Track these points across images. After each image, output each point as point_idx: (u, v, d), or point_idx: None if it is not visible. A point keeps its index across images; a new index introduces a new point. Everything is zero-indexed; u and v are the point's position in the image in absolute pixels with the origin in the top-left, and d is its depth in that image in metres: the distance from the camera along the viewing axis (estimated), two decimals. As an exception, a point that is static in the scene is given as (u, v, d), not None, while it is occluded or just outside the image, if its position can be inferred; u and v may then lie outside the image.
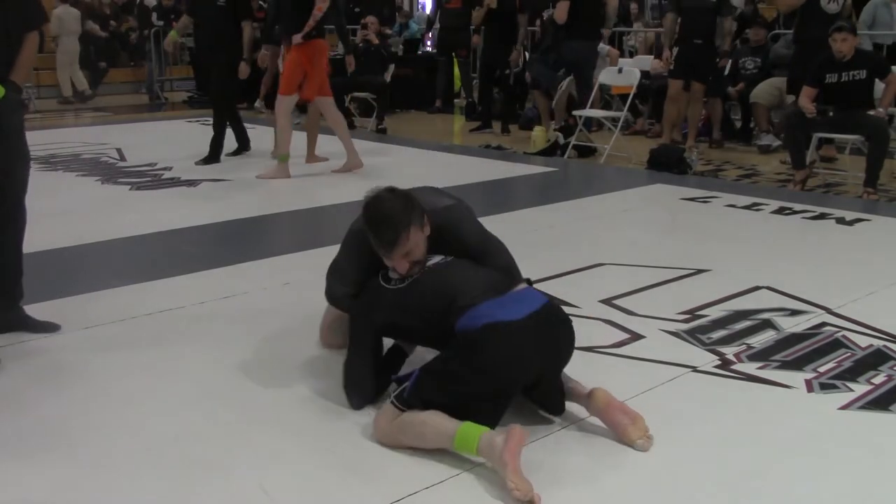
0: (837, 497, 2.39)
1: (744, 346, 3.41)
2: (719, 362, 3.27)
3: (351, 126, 9.96)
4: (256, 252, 4.76)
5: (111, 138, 8.82)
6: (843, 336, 3.52)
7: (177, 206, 5.92)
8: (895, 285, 4.17)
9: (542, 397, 2.73)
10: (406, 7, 15.87)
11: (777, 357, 3.31)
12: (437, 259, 2.85)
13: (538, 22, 9.51)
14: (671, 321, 3.68)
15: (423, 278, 2.78)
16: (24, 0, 3.40)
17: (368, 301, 2.88)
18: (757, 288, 4.10)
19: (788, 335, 3.53)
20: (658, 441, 2.62)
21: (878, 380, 3.11)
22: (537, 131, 8.55)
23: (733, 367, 3.23)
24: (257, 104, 10.76)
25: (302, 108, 8.46)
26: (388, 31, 13.02)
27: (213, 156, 7.43)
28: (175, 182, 6.74)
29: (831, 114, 6.58)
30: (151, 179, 6.86)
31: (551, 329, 2.66)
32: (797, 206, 5.89)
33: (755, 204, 5.97)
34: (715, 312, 3.79)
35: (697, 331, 3.58)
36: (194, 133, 9.44)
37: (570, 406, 2.80)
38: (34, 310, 3.59)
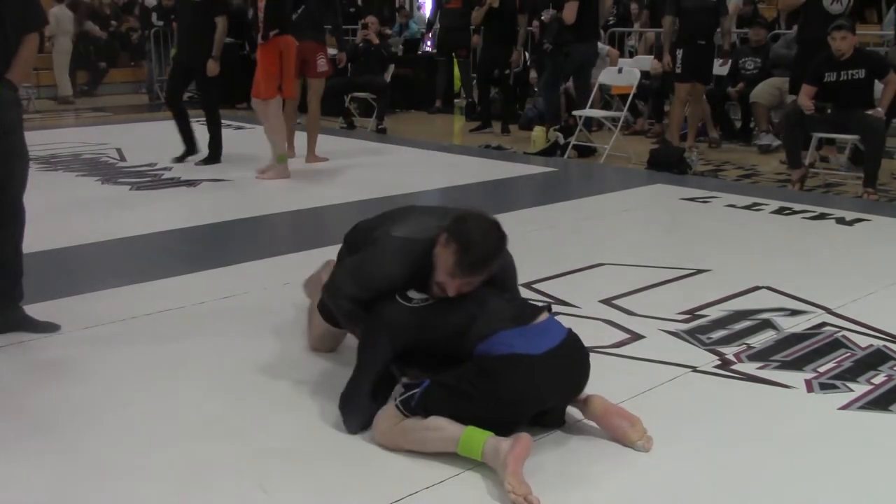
0: (837, 497, 2.39)
1: (744, 346, 3.41)
2: (719, 362, 3.27)
3: (351, 126, 10.00)
4: (256, 252, 4.76)
5: (111, 138, 8.82)
6: (843, 336, 3.52)
7: (177, 206, 5.93)
8: (895, 285, 4.17)
9: (549, 420, 2.71)
10: (406, 7, 15.86)
11: (777, 357, 3.31)
12: None
13: (535, 23, 9.51)
14: (671, 321, 3.68)
15: (448, 298, 2.69)
16: (25, 1, 3.39)
17: (389, 322, 2.71)
18: (757, 288, 4.10)
19: (788, 335, 3.54)
20: (658, 441, 2.62)
21: (878, 380, 3.11)
22: (537, 131, 8.55)
23: (733, 367, 3.23)
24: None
25: (301, 107, 8.47)
26: (388, 31, 13.02)
27: (214, 156, 7.42)
28: (175, 182, 6.74)
29: (829, 111, 6.58)
30: (151, 179, 6.86)
31: (569, 364, 2.63)
32: (797, 206, 5.89)
33: (755, 204, 5.97)
34: (715, 312, 3.79)
35: (697, 331, 3.58)
36: (195, 133, 9.44)
37: (568, 408, 2.79)
38: (34, 310, 3.59)
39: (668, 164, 7.26)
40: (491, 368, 2.51)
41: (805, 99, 6.56)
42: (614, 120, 8.70)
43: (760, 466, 2.53)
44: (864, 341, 3.46)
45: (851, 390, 3.03)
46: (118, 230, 5.19)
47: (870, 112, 6.40)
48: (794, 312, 3.78)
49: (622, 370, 3.18)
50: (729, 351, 3.37)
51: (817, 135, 6.88)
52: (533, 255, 4.52)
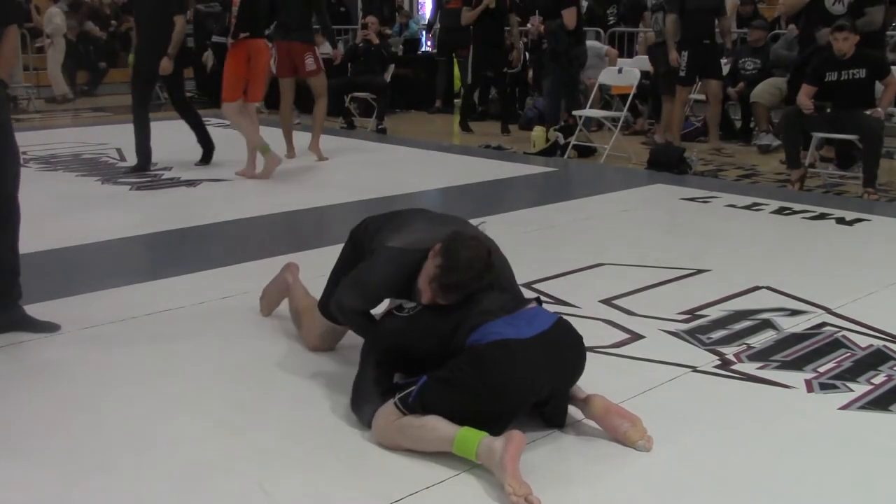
0: (837, 497, 2.39)
1: (744, 346, 3.41)
2: (719, 362, 3.27)
3: (351, 126, 10.00)
4: (256, 252, 4.76)
5: (111, 138, 8.81)
6: (843, 336, 3.52)
7: (177, 207, 5.93)
8: (895, 285, 4.17)
9: (550, 412, 2.72)
10: (406, 7, 15.86)
11: (777, 357, 3.31)
12: None
13: (532, 25, 9.55)
14: (671, 321, 3.68)
15: (436, 305, 2.74)
16: None
17: (389, 329, 2.83)
18: (757, 288, 4.10)
19: (788, 335, 3.53)
20: (658, 441, 2.62)
21: (878, 380, 3.11)
22: (537, 131, 8.55)
23: (733, 367, 3.23)
24: (258, 104, 10.75)
25: (301, 107, 8.49)
26: (388, 31, 13.02)
27: (208, 154, 7.43)
28: (175, 182, 6.74)
29: (829, 110, 6.58)
30: (151, 179, 6.86)
31: (560, 348, 2.64)
32: (797, 207, 5.89)
33: (755, 204, 5.97)
34: (715, 312, 3.79)
35: (697, 331, 3.58)
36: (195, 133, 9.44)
37: (568, 408, 2.80)
38: (34, 310, 3.59)
39: (668, 164, 7.26)
40: (481, 356, 2.52)
41: (804, 98, 6.57)
42: (614, 120, 8.70)
43: (760, 466, 2.53)
44: (864, 341, 3.46)
45: (851, 390, 3.03)
46: (118, 230, 5.19)
47: (869, 112, 6.40)
48: (794, 312, 3.78)
49: (622, 370, 3.18)
50: (729, 351, 3.37)
51: (817, 135, 6.88)
52: (533, 254, 4.53)
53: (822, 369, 3.20)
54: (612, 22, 11.26)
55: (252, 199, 6.18)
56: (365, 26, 10.41)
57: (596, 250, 4.76)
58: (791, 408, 2.92)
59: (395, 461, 2.53)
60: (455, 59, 11.45)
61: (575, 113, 8.70)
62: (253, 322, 3.67)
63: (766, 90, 8.44)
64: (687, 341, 3.47)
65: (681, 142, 8.23)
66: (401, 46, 13.01)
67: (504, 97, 10.32)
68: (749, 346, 3.41)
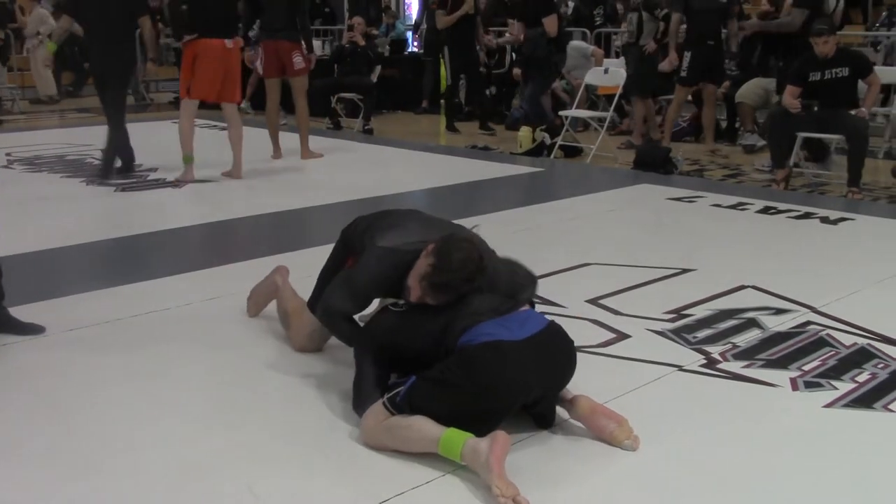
0: (822, 494, 2.40)
1: (729, 345, 3.42)
2: (705, 361, 3.28)
3: (337, 127, 10.00)
4: (243, 253, 4.75)
5: (96, 139, 8.74)
6: (828, 334, 3.54)
7: (162, 208, 5.91)
8: (879, 284, 4.19)
9: (539, 413, 2.72)
10: (393, 7, 15.85)
11: (762, 356, 3.33)
12: None
13: (512, 34, 9.67)
14: (657, 321, 3.69)
15: (426, 305, 2.75)
16: None
17: (374, 327, 2.86)
18: (742, 287, 4.12)
19: (773, 334, 3.55)
20: (644, 440, 2.63)
21: (863, 378, 3.13)
22: (523, 132, 8.56)
23: (719, 366, 3.24)
24: (243, 105, 10.73)
25: (287, 107, 8.47)
26: (375, 32, 13.01)
27: (106, 166, 6.83)
28: (160, 183, 6.71)
29: (816, 109, 6.62)
30: (137, 180, 6.83)
31: (552, 351, 2.64)
32: (782, 206, 5.92)
33: (740, 203, 5.99)
34: (700, 312, 3.80)
35: (683, 330, 3.59)
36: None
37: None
38: (19, 311, 3.57)
39: (654, 164, 7.28)
40: (471, 357, 2.53)
41: (789, 99, 6.60)
42: (600, 120, 8.72)
43: (746, 464, 2.54)
44: (848, 339, 3.48)
45: (836, 388, 3.04)
46: (103, 231, 5.18)
47: (853, 112, 6.43)
48: (779, 311, 3.80)
49: (608, 369, 3.19)
50: (714, 350, 3.38)
51: (802, 134, 6.92)
52: (519, 254, 4.50)
53: (806, 368, 3.22)
54: (598, 22, 11.28)
55: (238, 200, 6.16)
56: (351, 27, 10.40)
57: (582, 250, 4.77)
58: (776, 406, 2.93)
59: (383, 461, 2.53)
60: (441, 60, 11.46)
61: (561, 113, 8.73)
62: (240, 323, 3.66)
63: (752, 90, 8.47)
64: (673, 340, 3.48)
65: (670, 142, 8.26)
66: (387, 47, 13.00)
67: (481, 96, 10.35)
68: (734, 345, 3.43)
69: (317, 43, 10.44)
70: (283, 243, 4.97)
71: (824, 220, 5.56)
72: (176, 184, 6.63)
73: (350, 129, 9.98)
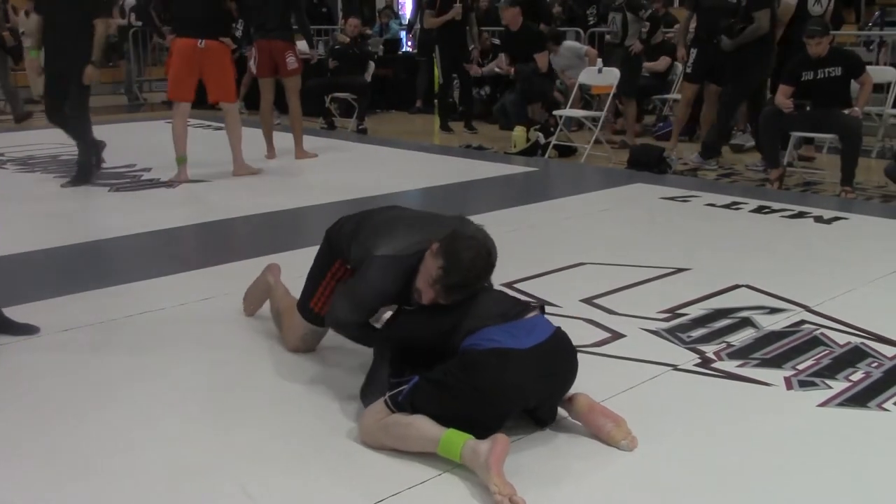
0: (817, 493, 2.41)
1: (723, 345, 3.43)
2: (699, 360, 3.28)
3: (331, 126, 9.99)
4: (237, 253, 4.75)
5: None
6: (822, 334, 3.55)
7: (156, 208, 5.90)
8: (873, 283, 4.21)
9: (540, 416, 2.72)
10: (393, 7, 15.85)
11: (756, 355, 3.33)
12: None
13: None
14: (652, 320, 3.69)
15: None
16: None
17: (389, 325, 2.90)
18: (736, 286, 4.13)
19: (768, 333, 3.56)
20: (639, 439, 2.63)
21: (857, 377, 3.14)
22: (518, 131, 8.57)
23: (713, 365, 3.25)
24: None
25: (280, 107, 8.48)
26: (369, 32, 13.01)
27: (82, 175, 6.62)
28: (154, 183, 6.70)
29: (808, 108, 6.63)
30: (130, 181, 6.82)
31: (554, 361, 2.64)
32: (776, 205, 5.93)
33: (734, 203, 6.00)
34: (695, 311, 3.81)
35: (678, 329, 3.60)
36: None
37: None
38: (13, 312, 3.56)
39: (648, 163, 7.29)
40: (475, 361, 2.52)
41: (782, 98, 6.62)
42: (594, 120, 8.73)
43: (740, 463, 2.55)
44: (842, 339, 3.49)
45: (830, 387, 3.05)
46: (97, 232, 5.17)
47: (846, 111, 6.45)
48: (774, 310, 3.81)
49: (603, 369, 3.19)
50: (709, 349, 3.39)
51: (795, 133, 6.94)
52: (514, 254, 4.52)
53: (801, 367, 3.22)
54: (592, 22, 11.29)
55: (231, 200, 6.15)
56: (343, 29, 10.42)
57: (577, 250, 4.77)
58: (770, 405, 2.94)
59: (380, 461, 2.53)
60: (434, 60, 11.46)
61: (555, 113, 8.74)
62: (234, 323, 3.66)
63: (745, 90, 8.48)
64: (667, 340, 3.49)
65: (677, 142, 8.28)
66: (381, 47, 13.00)
67: (469, 96, 10.36)
68: (729, 345, 3.43)
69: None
70: (277, 243, 4.96)
71: (818, 219, 5.58)
72: (170, 184, 6.63)
73: (344, 128, 9.98)
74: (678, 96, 9.32)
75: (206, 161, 7.25)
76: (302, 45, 8.36)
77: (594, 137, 8.20)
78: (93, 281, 4.20)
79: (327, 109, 10.09)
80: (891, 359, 3.29)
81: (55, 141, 8.67)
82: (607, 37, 9.64)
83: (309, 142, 8.13)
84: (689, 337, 3.51)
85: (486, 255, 2.70)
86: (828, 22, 7.19)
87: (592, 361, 3.24)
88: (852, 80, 6.61)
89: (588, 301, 3.93)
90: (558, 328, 2.72)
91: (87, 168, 6.64)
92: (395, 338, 2.82)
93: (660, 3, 10.65)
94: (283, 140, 7.90)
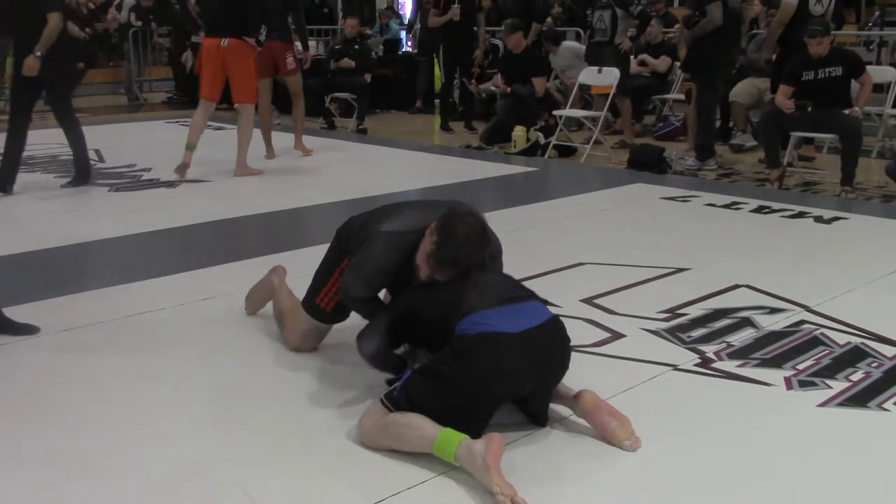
0: (817, 493, 2.41)
1: (724, 345, 3.43)
2: (699, 360, 3.29)
3: (331, 126, 9.99)
4: (237, 253, 4.75)
5: (89, 140, 8.65)
6: (822, 334, 3.55)
7: (156, 208, 5.90)
8: (873, 283, 4.21)
9: (532, 409, 2.73)
10: (382, 6, 15.85)
11: (756, 355, 3.33)
12: None
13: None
14: (652, 320, 3.69)
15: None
16: None
17: (394, 300, 2.97)
18: (736, 286, 4.13)
19: (768, 333, 3.56)
20: (639, 440, 2.64)
21: (857, 377, 3.14)
22: (518, 131, 8.57)
23: (713, 365, 3.25)
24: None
25: (280, 107, 8.48)
26: (369, 32, 13.00)
27: (82, 175, 6.56)
28: (154, 183, 6.71)
29: (810, 109, 6.63)
30: (131, 181, 6.82)
31: (546, 347, 2.64)
32: (776, 205, 5.93)
33: (734, 203, 6.00)
34: (695, 311, 3.81)
35: (678, 329, 3.60)
36: (174, 134, 9.39)
37: (555, 406, 2.81)
38: (13, 312, 3.56)
39: (648, 163, 7.29)
40: (466, 348, 2.54)
41: (783, 98, 6.62)
42: (594, 120, 8.73)
43: (740, 463, 2.55)
44: (842, 339, 3.49)
45: (830, 387, 3.05)
46: (97, 232, 5.16)
47: (847, 111, 6.45)
48: (774, 310, 3.81)
49: (603, 369, 3.19)
50: (709, 349, 3.39)
51: (796, 134, 6.94)
52: (514, 254, 4.51)
53: (801, 367, 3.22)
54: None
55: (232, 200, 6.15)
56: (342, 29, 10.44)
57: (577, 250, 4.77)
58: (770, 405, 2.94)
59: (379, 461, 2.53)
60: (436, 59, 11.47)
61: (555, 113, 8.73)
62: (235, 323, 3.66)
63: (745, 90, 8.48)
64: (667, 340, 3.49)
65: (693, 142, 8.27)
66: (381, 47, 13.01)
67: (469, 95, 10.36)
68: (729, 345, 3.43)
69: (312, 43, 10.42)
70: (277, 243, 4.96)
71: (818, 219, 5.58)
72: (170, 184, 6.63)
73: (344, 128, 9.97)
74: (679, 96, 9.32)
75: (207, 161, 7.25)
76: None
77: (594, 137, 8.20)
78: (93, 281, 4.20)
79: (327, 109, 10.09)
80: (891, 359, 3.29)
81: (55, 141, 8.68)
82: (595, 36, 9.61)
83: (309, 142, 8.14)
84: (689, 337, 3.52)
85: (480, 230, 2.76)
86: (829, 22, 7.19)
87: (592, 361, 3.24)
88: (852, 80, 6.62)
89: (588, 301, 3.93)
90: (555, 316, 2.74)
91: (85, 168, 6.60)
92: (399, 312, 2.83)
93: (661, 2, 10.67)
94: (282, 140, 7.90)
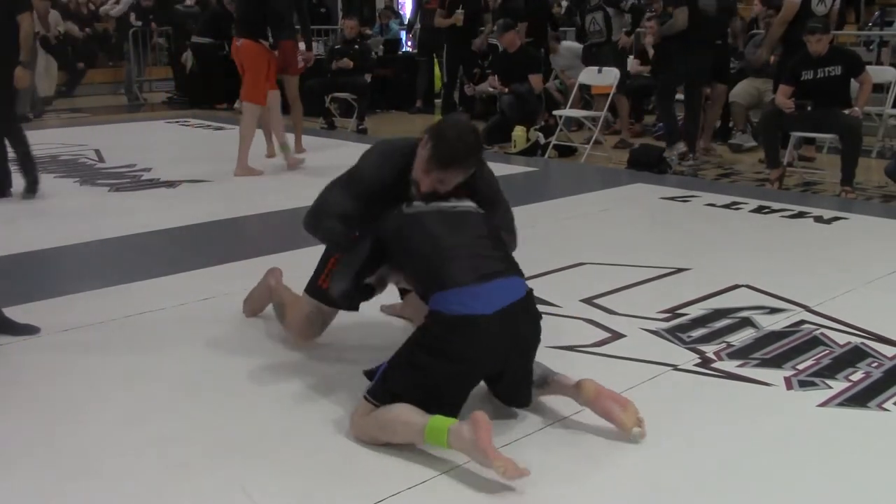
0: (817, 493, 2.41)
1: (723, 345, 3.43)
2: (699, 360, 3.28)
3: (331, 126, 9.99)
4: (236, 253, 4.75)
5: (89, 139, 8.76)
6: (822, 334, 3.55)
7: (156, 208, 5.90)
8: (873, 283, 4.21)
9: (507, 390, 2.75)
10: (382, 6, 15.84)
11: (756, 355, 3.33)
12: (461, 204, 2.83)
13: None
14: (652, 320, 3.69)
15: (435, 215, 2.77)
16: None
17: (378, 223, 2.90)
18: (736, 286, 4.13)
19: (768, 333, 3.56)
20: (639, 440, 2.64)
21: (857, 377, 3.14)
22: (518, 131, 8.57)
23: (713, 365, 3.25)
24: (237, 105, 10.73)
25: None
26: (369, 32, 13.00)
27: (31, 185, 6.14)
28: (154, 183, 6.71)
29: (809, 109, 6.63)
30: (130, 181, 6.82)
31: (517, 326, 2.65)
32: (776, 205, 5.93)
33: (734, 203, 6.00)
34: (695, 311, 3.81)
35: (678, 329, 3.60)
36: (174, 134, 9.40)
37: (554, 402, 2.81)
38: (13, 312, 3.56)
39: (648, 163, 7.29)
40: (439, 332, 2.57)
41: (782, 98, 6.61)
42: (594, 120, 8.73)
43: (740, 463, 2.55)
44: (842, 339, 3.49)
45: (830, 387, 3.05)
46: (97, 232, 5.16)
47: (846, 111, 6.45)
48: (774, 310, 3.81)
49: (603, 369, 3.18)
50: (709, 349, 3.39)
51: (796, 134, 6.94)
52: (514, 254, 4.52)
53: (801, 367, 3.22)
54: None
55: (231, 200, 6.15)
56: (341, 30, 10.44)
57: (576, 250, 4.77)
58: (770, 405, 2.94)
59: (378, 461, 2.53)
60: (436, 59, 11.47)
61: (555, 113, 8.73)
62: (234, 323, 3.66)
63: (745, 90, 8.48)
64: (667, 340, 3.49)
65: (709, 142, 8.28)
66: (381, 47, 13.00)
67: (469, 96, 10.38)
68: (729, 345, 3.43)
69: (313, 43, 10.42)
70: (277, 243, 4.96)
71: (818, 219, 5.57)
72: (170, 184, 6.63)
73: (344, 128, 9.97)
74: (679, 96, 9.30)
75: (207, 161, 7.26)
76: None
77: (594, 137, 8.20)
78: (92, 281, 4.20)
79: (327, 109, 10.08)
80: (891, 359, 3.29)
81: (55, 141, 8.69)
82: (591, 38, 9.60)
83: (309, 142, 8.14)
84: (689, 337, 3.52)
85: (472, 130, 2.80)
86: (829, 21, 7.19)
87: (592, 361, 3.24)
88: (852, 80, 6.61)
89: (588, 301, 3.93)
90: (528, 292, 2.73)
91: (33, 175, 6.13)
92: (375, 245, 2.87)
93: (658, 1, 10.66)
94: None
